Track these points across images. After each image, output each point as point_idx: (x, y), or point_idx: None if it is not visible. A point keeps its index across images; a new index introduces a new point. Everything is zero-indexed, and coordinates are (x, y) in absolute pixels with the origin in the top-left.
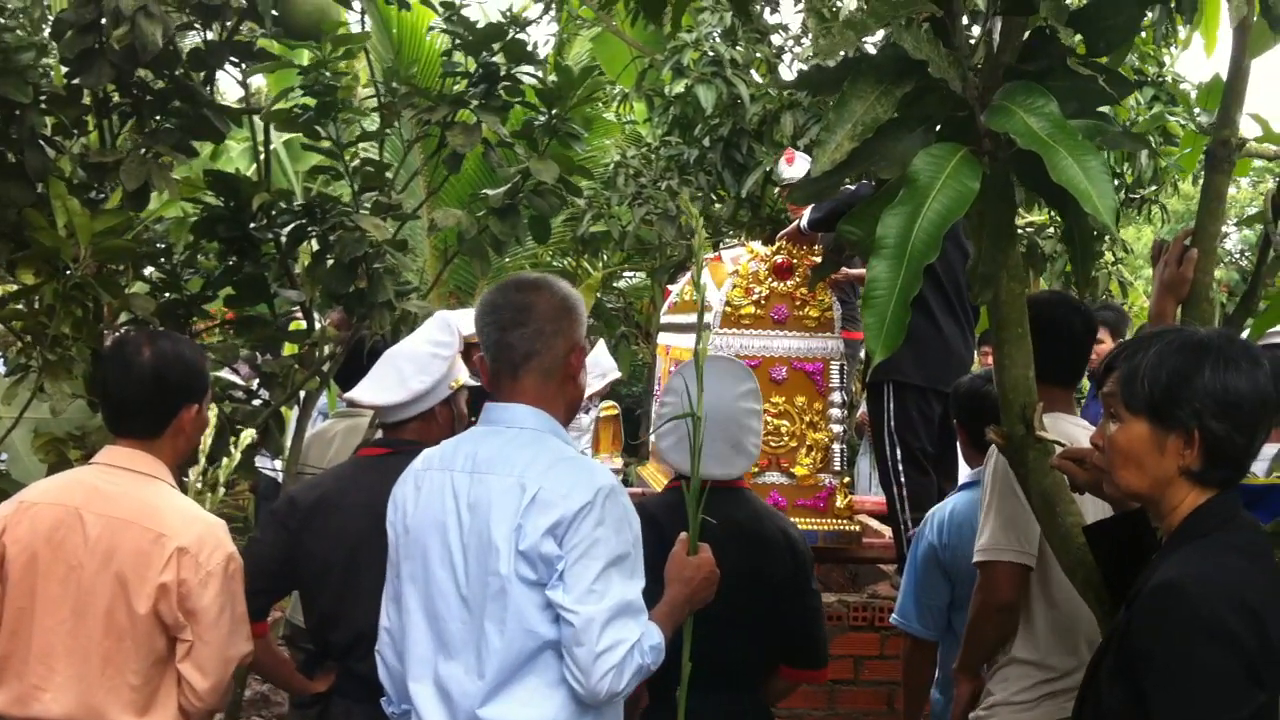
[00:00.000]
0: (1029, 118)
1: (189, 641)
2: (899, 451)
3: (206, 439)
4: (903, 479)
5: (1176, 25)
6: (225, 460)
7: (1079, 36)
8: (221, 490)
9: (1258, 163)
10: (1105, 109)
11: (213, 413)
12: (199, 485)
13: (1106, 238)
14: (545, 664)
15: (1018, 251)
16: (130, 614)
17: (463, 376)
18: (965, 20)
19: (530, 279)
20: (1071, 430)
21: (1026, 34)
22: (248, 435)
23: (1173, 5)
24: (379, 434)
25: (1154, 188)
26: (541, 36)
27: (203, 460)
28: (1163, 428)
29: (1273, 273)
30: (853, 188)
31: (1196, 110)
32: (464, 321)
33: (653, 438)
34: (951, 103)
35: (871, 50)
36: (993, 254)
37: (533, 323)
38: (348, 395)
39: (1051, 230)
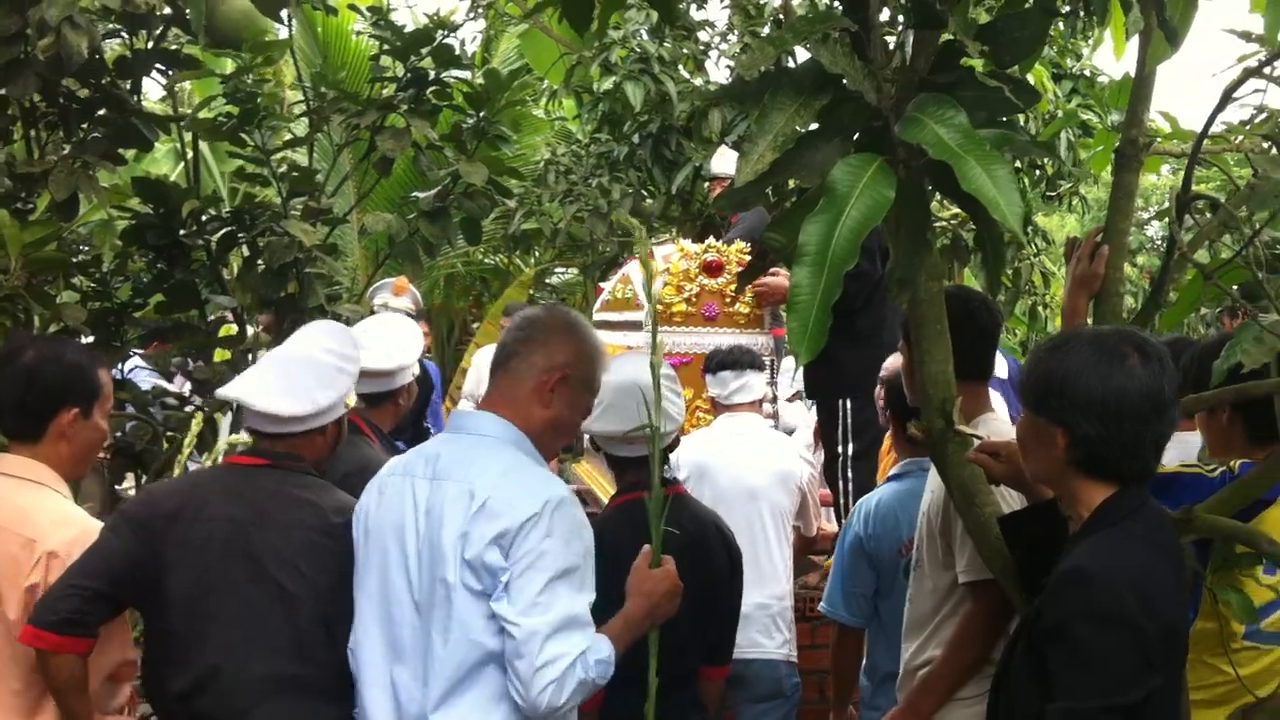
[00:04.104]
0: (940, 129)
1: None
2: (851, 448)
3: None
4: (849, 473)
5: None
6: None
7: (987, 49)
8: None
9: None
10: (1015, 116)
11: (198, 420)
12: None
13: (1028, 230)
14: (489, 676)
15: (935, 252)
16: (4, 621)
17: (353, 398)
18: (885, 17)
19: (566, 310)
20: (1001, 428)
21: (940, 44)
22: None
23: (1082, 7)
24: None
25: (1068, 185)
26: (468, 34)
27: (179, 470)
28: (1044, 421)
29: (1180, 268)
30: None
31: (1109, 109)
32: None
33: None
34: (867, 113)
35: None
36: (909, 258)
37: (532, 331)
38: (236, 395)
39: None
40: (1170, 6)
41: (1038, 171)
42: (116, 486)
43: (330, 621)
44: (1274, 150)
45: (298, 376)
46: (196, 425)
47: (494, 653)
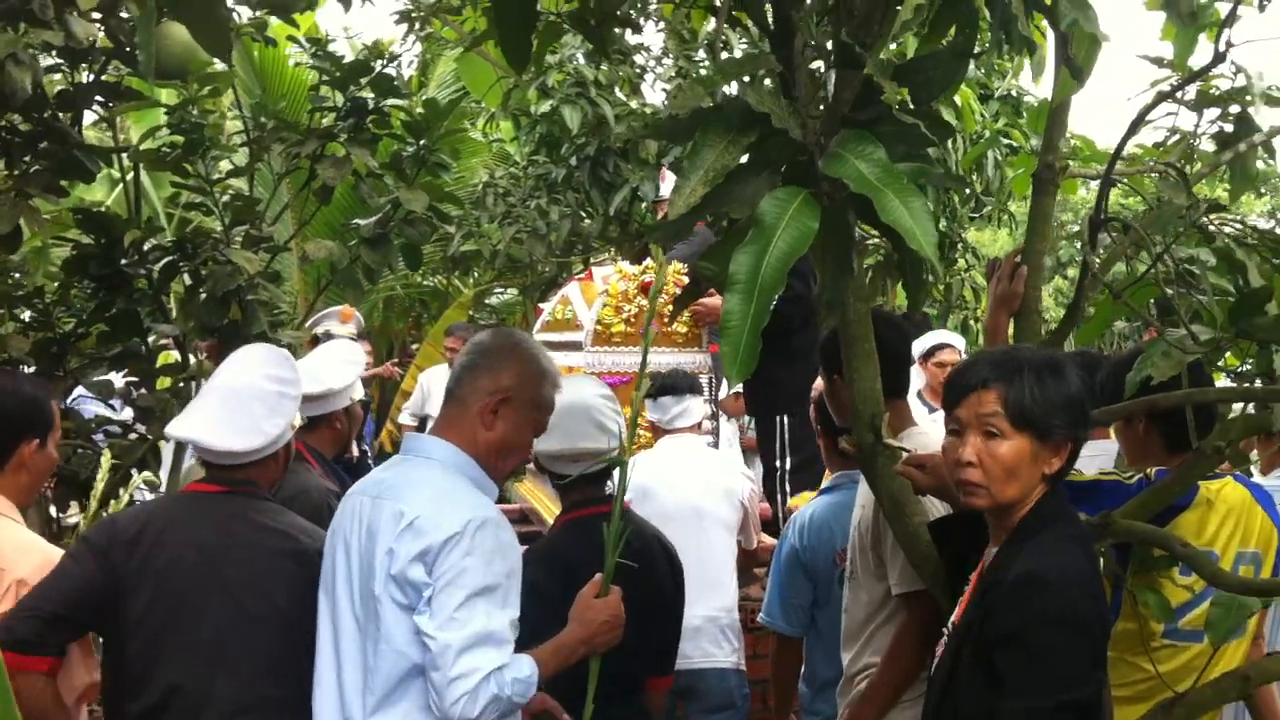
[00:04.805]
0: (860, 164)
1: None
2: (789, 463)
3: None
4: (788, 487)
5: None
6: (113, 503)
7: (905, 88)
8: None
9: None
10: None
11: (106, 458)
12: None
13: (959, 246)
14: (418, 687)
15: (862, 275)
16: None
17: (298, 418)
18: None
19: (511, 333)
20: (926, 441)
21: (861, 82)
22: (139, 479)
23: (1004, 39)
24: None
25: (995, 203)
26: (405, 57)
27: (94, 504)
28: (1042, 441)
29: (1094, 287)
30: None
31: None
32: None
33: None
34: (793, 148)
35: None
36: (835, 284)
37: (478, 356)
38: (181, 434)
39: None
40: (1075, 45)
41: (967, 190)
42: (61, 515)
43: (299, 641)
44: (1174, 176)
45: (245, 408)
46: (106, 462)
47: (420, 665)
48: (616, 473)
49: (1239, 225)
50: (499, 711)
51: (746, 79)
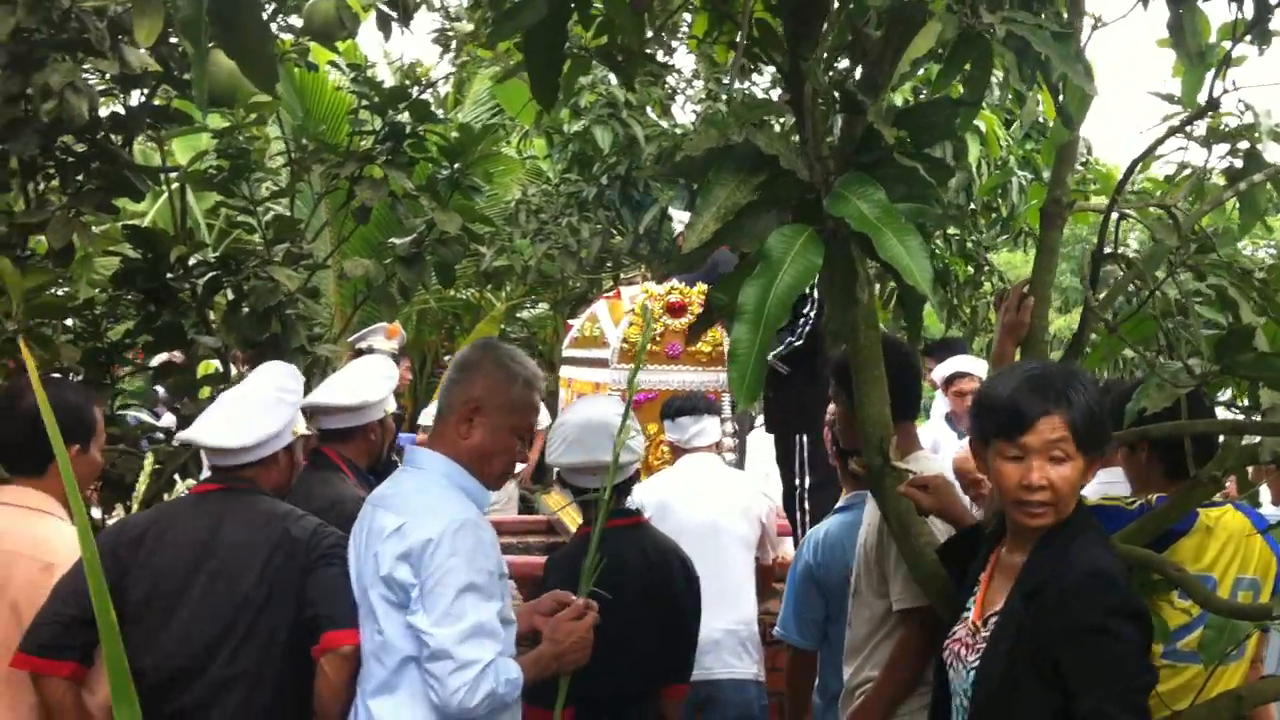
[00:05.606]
0: (861, 204)
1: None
2: (808, 480)
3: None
4: (807, 504)
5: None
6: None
7: (906, 133)
8: None
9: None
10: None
11: (149, 461)
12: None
13: (985, 269)
14: (412, 678)
15: (872, 304)
16: None
17: (301, 426)
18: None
19: (483, 344)
20: (930, 464)
21: (865, 127)
22: (181, 486)
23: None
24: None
25: (1022, 226)
26: (441, 73)
27: (136, 506)
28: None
29: (1095, 319)
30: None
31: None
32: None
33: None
34: (801, 188)
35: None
36: (841, 314)
37: (454, 372)
38: (185, 435)
39: None
40: (1067, 95)
41: (993, 214)
42: (106, 516)
43: (281, 623)
44: (1167, 217)
45: (242, 411)
46: (149, 465)
47: (413, 656)
48: (635, 491)
49: (1227, 265)
50: (492, 705)
51: (756, 124)
